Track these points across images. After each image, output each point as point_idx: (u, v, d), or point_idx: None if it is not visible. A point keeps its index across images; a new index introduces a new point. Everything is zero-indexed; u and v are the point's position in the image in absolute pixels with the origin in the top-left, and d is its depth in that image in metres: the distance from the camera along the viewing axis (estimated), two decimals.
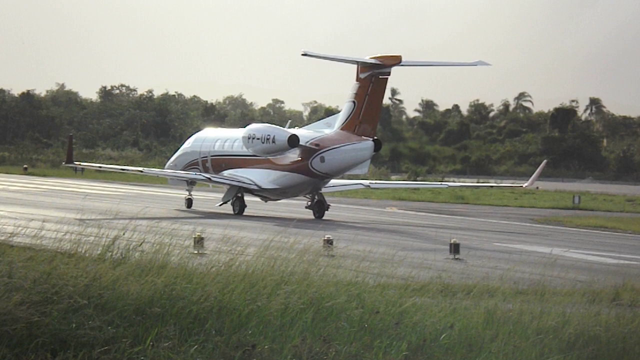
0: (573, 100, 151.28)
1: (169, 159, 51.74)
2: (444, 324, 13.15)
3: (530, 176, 49.22)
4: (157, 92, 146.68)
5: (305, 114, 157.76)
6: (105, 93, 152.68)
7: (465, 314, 13.67)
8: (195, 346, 11.95)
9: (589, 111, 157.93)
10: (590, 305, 14.93)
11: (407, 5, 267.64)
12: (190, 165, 46.51)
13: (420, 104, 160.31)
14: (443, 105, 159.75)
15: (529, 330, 13.35)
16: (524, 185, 51.90)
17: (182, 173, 46.30)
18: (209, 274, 13.89)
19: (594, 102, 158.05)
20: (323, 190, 43.21)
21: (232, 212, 42.42)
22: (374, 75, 40.71)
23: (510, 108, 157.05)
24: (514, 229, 42.37)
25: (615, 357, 13.35)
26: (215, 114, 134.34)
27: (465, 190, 72.51)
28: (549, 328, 13.47)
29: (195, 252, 19.34)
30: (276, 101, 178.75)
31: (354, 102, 41.14)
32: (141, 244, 14.76)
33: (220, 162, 45.07)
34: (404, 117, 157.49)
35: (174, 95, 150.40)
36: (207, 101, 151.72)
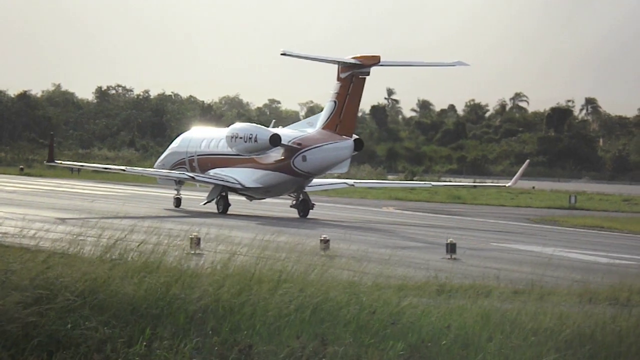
0: (569, 100, 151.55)
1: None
2: (441, 324, 13.15)
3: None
4: (154, 92, 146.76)
5: (302, 113, 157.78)
6: (101, 93, 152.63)
7: (462, 314, 13.67)
8: (192, 346, 11.93)
9: (584, 111, 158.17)
10: (587, 305, 14.93)
11: (401, 5, 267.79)
12: (177, 165, 46.76)
13: (416, 103, 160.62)
14: (439, 105, 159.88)
15: (526, 330, 13.35)
16: (507, 185, 52.13)
17: (165, 172, 46.69)
18: (205, 274, 13.88)
19: (590, 102, 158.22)
20: (307, 189, 43.45)
21: (216, 210, 42.63)
22: (354, 75, 41.12)
23: (507, 108, 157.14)
24: (510, 228, 42.40)
25: (611, 357, 13.36)
26: (212, 114, 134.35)
27: (462, 190, 72.58)
28: (545, 328, 13.46)
29: (192, 252, 19.32)
30: (272, 101, 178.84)
31: (335, 101, 41.57)
32: (139, 245, 14.73)
33: (206, 162, 45.36)
34: (400, 117, 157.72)
35: (171, 96, 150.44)
36: (203, 101, 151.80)
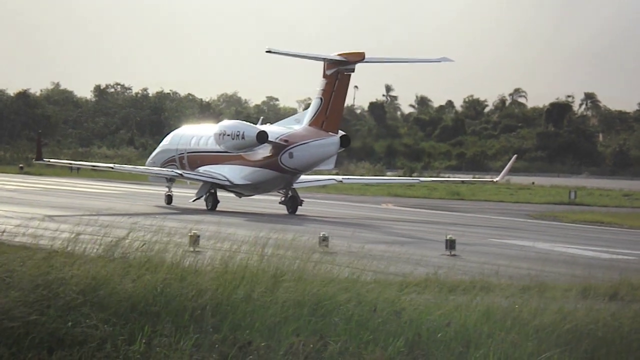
0: (569, 96, 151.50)
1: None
2: (441, 321, 13.14)
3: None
4: (152, 91, 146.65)
5: (300, 110, 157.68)
6: (100, 92, 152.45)
7: (462, 311, 13.66)
8: (191, 343, 11.94)
9: (584, 106, 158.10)
10: (587, 301, 14.93)
11: (396, 2, 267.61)
12: (168, 162, 46.97)
13: (415, 100, 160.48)
14: (437, 101, 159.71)
15: (527, 327, 13.35)
16: (494, 180, 52.23)
17: (155, 169, 46.93)
18: (205, 272, 13.88)
19: (589, 97, 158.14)
20: (296, 185, 43.64)
21: (205, 207, 42.82)
22: (339, 71, 41.38)
23: (506, 103, 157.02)
24: (510, 224, 42.41)
25: (613, 353, 13.35)
26: (210, 112, 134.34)
27: (461, 187, 72.53)
28: (546, 324, 13.46)
29: (191, 249, 19.32)
30: (270, 98, 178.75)
31: (321, 98, 41.87)
32: (143, 245, 14.74)
33: (195, 159, 45.58)
34: (398, 113, 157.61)
35: (169, 94, 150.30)
36: (202, 99, 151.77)
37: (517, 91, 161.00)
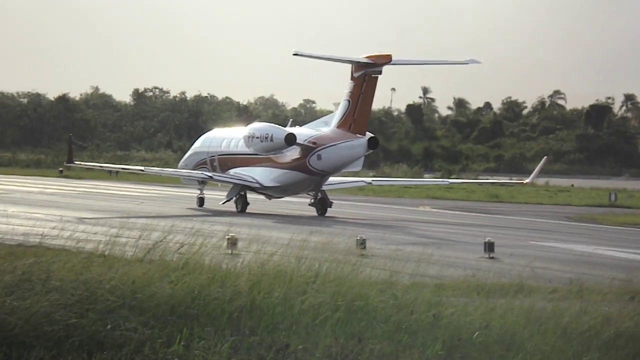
0: (609, 97, 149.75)
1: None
2: (480, 324, 13.03)
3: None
4: (190, 94, 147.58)
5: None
6: (138, 95, 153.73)
7: (501, 313, 13.54)
8: (229, 346, 11.95)
9: (624, 107, 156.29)
10: (629, 304, 14.73)
11: (435, 2, 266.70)
12: (199, 165, 47.38)
13: (452, 102, 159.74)
14: (475, 103, 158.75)
15: (568, 330, 13.19)
16: (524, 182, 51.83)
17: (185, 172, 47.29)
18: (243, 274, 13.90)
19: (629, 98, 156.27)
20: (325, 187, 43.75)
21: (234, 209, 43.06)
22: (366, 74, 41.43)
23: (545, 105, 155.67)
24: (549, 227, 42.02)
25: None
26: (247, 115, 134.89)
27: (500, 189, 72.12)
28: (588, 327, 13.30)
29: (229, 252, 19.38)
30: (307, 101, 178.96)
31: (348, 100, 42.03)
32: (180, 247, 14.80)
33: (226, 161, 45.95)
34: (436, 115, 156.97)
35: (207, 97, 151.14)
36: (239, 102, 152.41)
37: (556, 93, 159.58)
